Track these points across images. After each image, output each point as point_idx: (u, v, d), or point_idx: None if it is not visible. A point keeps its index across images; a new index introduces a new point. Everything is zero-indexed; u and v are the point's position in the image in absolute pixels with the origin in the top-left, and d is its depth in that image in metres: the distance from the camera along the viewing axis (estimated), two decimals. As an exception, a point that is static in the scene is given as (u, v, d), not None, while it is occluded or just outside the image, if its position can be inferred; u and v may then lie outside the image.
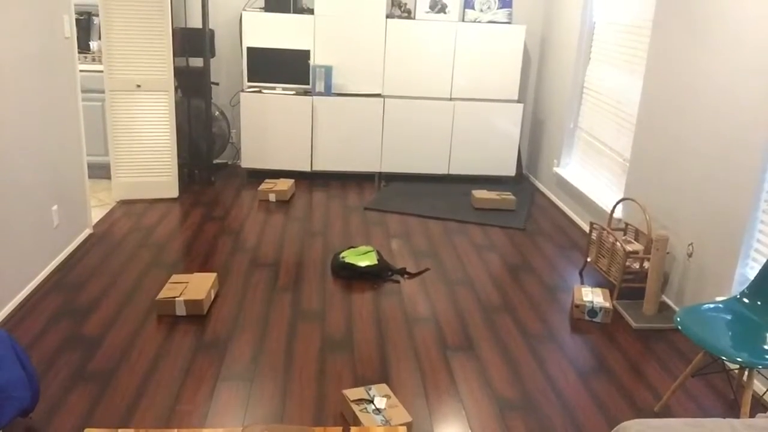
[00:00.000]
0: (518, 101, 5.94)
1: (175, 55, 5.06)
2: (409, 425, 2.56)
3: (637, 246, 3.88)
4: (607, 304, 3.55)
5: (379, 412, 2.57)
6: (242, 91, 5.64)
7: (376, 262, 3.93)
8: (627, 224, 4.15)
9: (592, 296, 3.64)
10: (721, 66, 3.33)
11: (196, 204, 5.09)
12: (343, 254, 4.02)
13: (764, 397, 2.91)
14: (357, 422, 2.54)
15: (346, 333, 3.30)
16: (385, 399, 2.65)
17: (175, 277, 3.59)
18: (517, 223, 5.04)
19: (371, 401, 2.64)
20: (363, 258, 3.96)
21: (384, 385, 2.75)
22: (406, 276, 4.00)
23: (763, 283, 2.73)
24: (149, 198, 5.11)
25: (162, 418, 2.59)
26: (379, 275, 3.93)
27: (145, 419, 2.58)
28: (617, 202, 4.07)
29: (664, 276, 3.76)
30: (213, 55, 5.54)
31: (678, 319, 2.63)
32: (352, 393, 2.67)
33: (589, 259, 4.17)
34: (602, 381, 3.00)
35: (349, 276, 3.91)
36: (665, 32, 3.89)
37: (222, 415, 2.63)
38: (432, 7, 5.70)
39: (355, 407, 2.58)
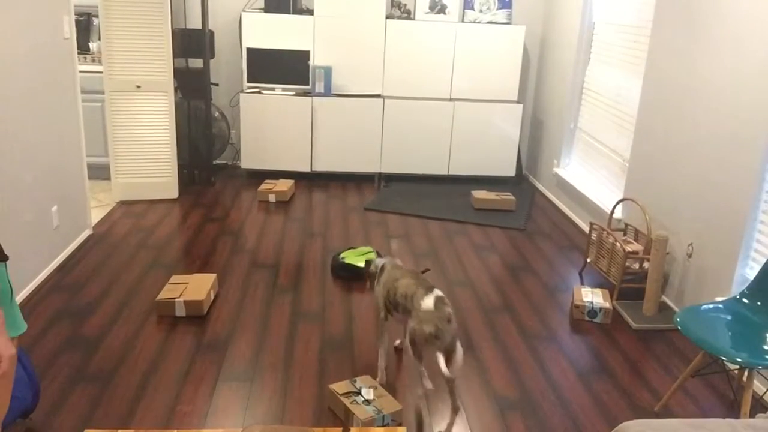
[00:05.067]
0: (518, 102, 5.94)
1: (174, 56, 5.06)
2: (399, 413, 2.59)
3: (636, 246, 3.88)
4: (607, 305, 3.55)
5: (369, 402, 2.59)
6: (242, 91, 5.64)
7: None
8: (627, 224, 4.15)
9: (592, 296, 3.64)
10: (720, 66, 3.33)
11: (196, 205, 5.09)
12: (342, 255, 4.02)
13: (764, 397, 2.91)
14: (348, 415, 2.55)
15: (346, 333, 3.31)
16: (372, 390, 2.67)
17: (174, 278, 3.59)
18: (516, 223, 5.05)
19: (359, 393, 2.65)
20: (362, 258, 3.96)
21: (368, 377, 2.77)
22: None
23: (762, 284, 2.73)
24: (149, 199, 5.11)
25: (162, 419, 2.59)
26: None
27: (145, 419, 2.58)
28: (617, 203, 4.07)
29: (663, 276, 3.76)
30: (213, 56, 5.54)
31: (678, 319, 2.63)
32: (339, 387, 2.68)
33: (588, 260, 4.17)
34: (602, 381, 3.00)
35: (349, 276, 3.91)
36: (665, 32, 3.89)
37: (222, 415, 2.63)
38: (432, 8, 5.70)
39: (345, 400, 2.59)
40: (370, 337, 3.28)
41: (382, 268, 2.95)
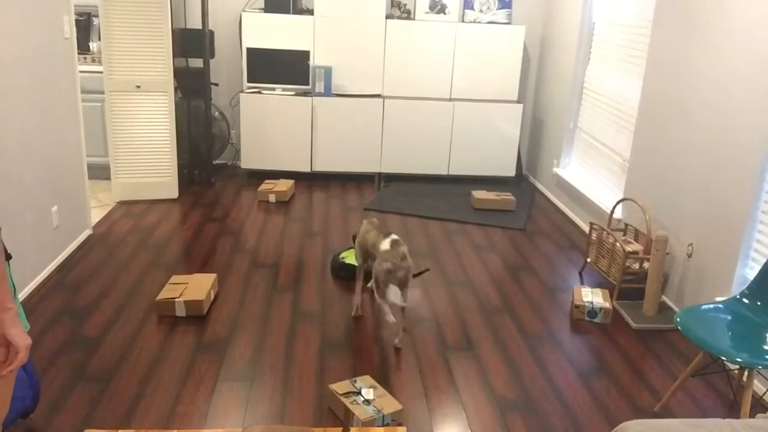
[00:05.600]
0: (518, 101, 5.94)
1: (174, 55, 5.06)
2: (399, 413, 2.59)
3: (636, 246, 3.88)
4: (607, 305, 3.55)
5: (369, 402, 2.59)
6: (242, 91, 5.64)
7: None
8: (627, 225, 4.15)
9: (592, 297, 3.64)
10: (720, 66, 3.33)
11: (196, 205, 5.09)
12: (342, 255, 4.02)
13: (764, 397, 2.91)
14: (348, 415, 2.55)
15: (346, 333, 3.31)
16: (372, 390, 2.67)
17: (174, 278, 3.59)
18: (516, 223, 5.05)
19: (359, 393, 2.65)
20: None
21: (368, 377, 2.78)
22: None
23: (763, 284, 2.73)
24: (149, 199, 5.11)
25: (162, 419, 2.59)
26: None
27: (145, 419, 2.58)
28: (617, 203, 4.07)
29: (663, 276, 3.76)
30: (213, 55, 5.54)
31: (678, 319, 2.63)
32: (339, 387, 2.69)
33: (588, 260, 4.17)
34: (602, 381, 3.00)
35: (349, 276, 3.91)
36: (665, 32, 3.89)
37: (222, 415, 2.63)
38: (432, 8, 5.70)
39: (345, 400, 2.59)
40: (370, 337, 3.28)
41: (361, 228, 3.49)
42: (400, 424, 2.59)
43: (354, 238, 3.64)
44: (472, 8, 5.79)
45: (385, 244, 3.15)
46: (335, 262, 3.98)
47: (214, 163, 5.69)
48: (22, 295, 3.45)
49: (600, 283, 4.04)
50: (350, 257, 3.98)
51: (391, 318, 3.06)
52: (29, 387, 2.42)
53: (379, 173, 5.97)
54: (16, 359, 1.56)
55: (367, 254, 3.36)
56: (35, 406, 2.48)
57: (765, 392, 2.91)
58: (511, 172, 6.05)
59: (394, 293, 3.02)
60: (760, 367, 2.38)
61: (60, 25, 3.90)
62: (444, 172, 5.99)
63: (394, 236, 3.20)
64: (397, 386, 2.88)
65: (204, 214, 4.88)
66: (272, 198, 5.24)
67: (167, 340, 3.16)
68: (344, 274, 3.92)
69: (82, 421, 2.54)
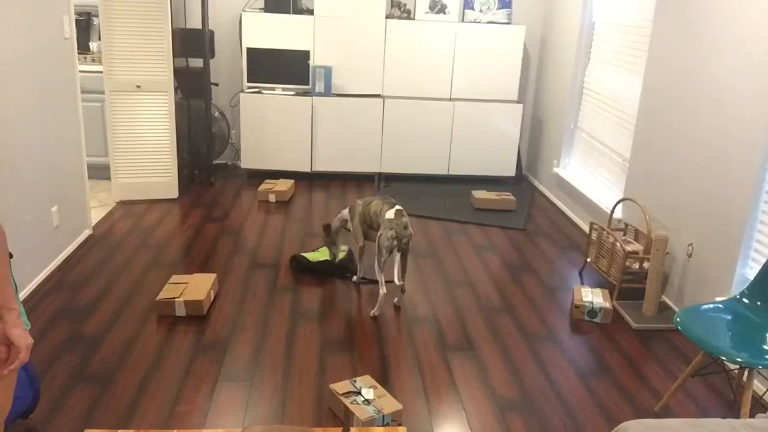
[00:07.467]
0: (518, 101, 5.94)
1: (174, 55, 5.06)
2: (399, 413, 2.59)
3: (636, 246, 3.88)
4: (607, 305, 3.55)
5: (369, 402, 2.59)
6: (242, 91, 5.64)
7: (329, 258, 3.96)
8: (627, 224, 4.15)
9: (592, 296, 3.64)
10: (720, 66, 3.33)
11: (196, 205, 5.09)
12: (302, 253, 4.06)
13: (764, 397, 2.91)
14: (348, 415, 2.55)
15: (346, 333, 3.31)
16: (372, 390, 2.67)
17: (174, 278, 3.59)
18: (517, 223, 5.05)
19: (359, 393, 2.65)
20: (317, 255, 4.03)
21: (368, 377, 2.78)
22: (357, 279, 3.91)
23: (763, 283, 2.73)
24: (149, 199, 5.11)
25: (162, 419, 2.59)
26: (332, 273, 3.94)
27: (145, 419, 2.58)
28: (617, 203, 4.07)
29: (663, 276, 3.76)
30: (213, 55, 5.54)
31: (678, 319, 2.63)
32: (339, 387, 2.69)
33: (589, 260, 4.17)
34: (602, 381, 3.00)
35: (301, 269, 3.95)
36: (665, 32, 3.89)
37: (222, 415, 2.63)
38: (432, 8, 5.70)
39: (345, 400, 2.59)
40: (370, 337, 3.28)
41: (352, 207, 3.76)
42: (400, 424, 2.59)
43: (325, 228, 3.87)
44: (472, 8, 5.79)
45: (389, 213, 3.43)
46: (295, 261, 3.99)
47: (214, 163, 5.69)
48: (22, 295, 3.45)
49: (600, 283, 4.04)
50: (308, 255, 4.02)
51: (383, 289, 3.42)
52: (29, 387, 2.42)
53: (379, 173, 5.97)
54: (17, 359, 1.56)
55: (371, 221, 3.60)
56: (35, 406, 2.48)
57: (765, 392, 2.91)
58: (511, 172, 6.05)
59: (395, 270, 3.45)
60: (760, 367, 2.38)
61: (60, 25, 3.90)
62: (444, 172, 5.99)
63: (398, 206, 3.48)
64: (397, 386, 2.88)
65: (204, 214, 4.88)
66: (272, 198, 5.24)
67: (167, 340, 3.16)
68: (295, 266, 3.98)
69: (82, 421, 2.54)
